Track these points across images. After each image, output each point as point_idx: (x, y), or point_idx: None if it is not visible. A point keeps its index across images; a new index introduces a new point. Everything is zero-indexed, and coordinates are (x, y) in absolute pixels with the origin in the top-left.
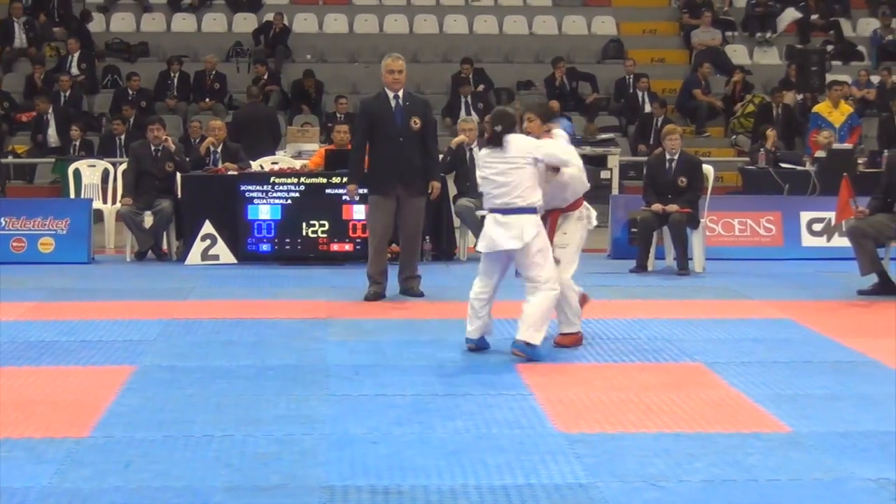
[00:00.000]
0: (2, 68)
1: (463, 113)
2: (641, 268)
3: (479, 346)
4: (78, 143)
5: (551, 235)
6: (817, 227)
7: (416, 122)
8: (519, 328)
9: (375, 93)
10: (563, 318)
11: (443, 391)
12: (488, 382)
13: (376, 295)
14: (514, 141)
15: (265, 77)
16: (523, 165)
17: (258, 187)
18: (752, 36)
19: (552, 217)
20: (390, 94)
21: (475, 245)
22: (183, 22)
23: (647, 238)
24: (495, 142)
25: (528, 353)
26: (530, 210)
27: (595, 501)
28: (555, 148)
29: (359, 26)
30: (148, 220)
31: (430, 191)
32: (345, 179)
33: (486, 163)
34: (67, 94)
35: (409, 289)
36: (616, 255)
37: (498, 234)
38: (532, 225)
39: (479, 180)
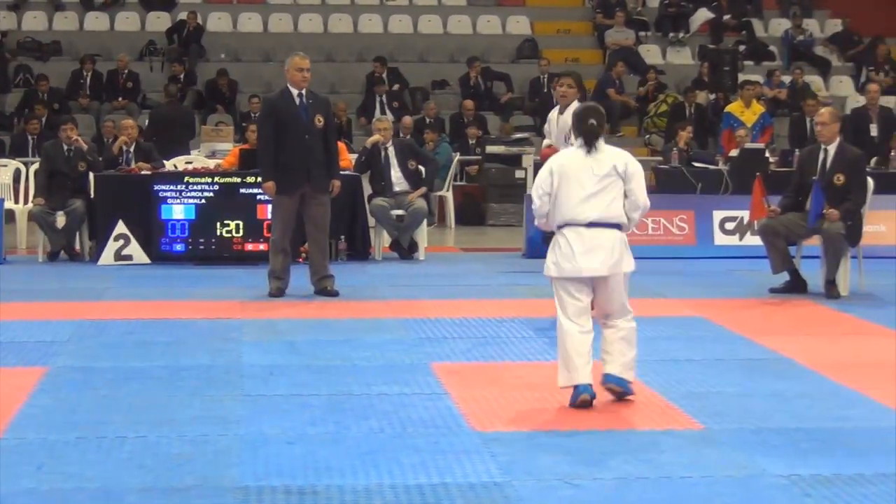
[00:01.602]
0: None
1: (378, 112)
2: None
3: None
4: None
5: None
6: (730, 225)
7: (319, 120)
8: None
9: (277, 91)
10: None
11: (358, 391)
12: (403, 382)
13: (279, 291)
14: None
15: (182, 76)
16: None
17: (172, 187)
18: (666, 36)
19: None
20: (294, 92)
21: (390, 245)
22: (96, 21)
23: None
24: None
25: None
26: None
27: (510, 500)
28: None
29: (273, 25)
30: (60, 220)
31: (331, 189)
32: (259, 179)
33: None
34: None
35: (324, 288)
36: (531, 255)
37: None
38: None
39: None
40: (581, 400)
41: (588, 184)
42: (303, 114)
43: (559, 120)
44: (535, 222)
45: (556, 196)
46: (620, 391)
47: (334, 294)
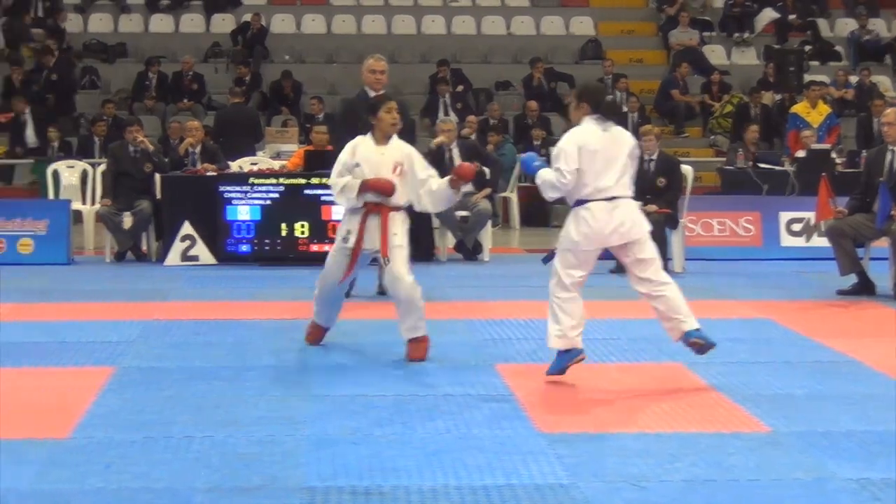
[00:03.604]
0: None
1: (441, 113)
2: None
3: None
4: (56, 145)
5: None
6: (796, 227)
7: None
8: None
9: (355, 93)
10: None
11: (423, 392)
12: (468, 383)
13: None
14: None
15: (247, 78)
16: None
17: (237, 188)
18: (730, 36)
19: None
20: (371, 94)
21: (454, 246)
22: (160, 22)
23: None
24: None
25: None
26: None
27: (576, 502)
28: None
29: (337, 27)
30: (127, 220)
31: None
32: (324, 180)
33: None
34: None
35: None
36: None
37: None
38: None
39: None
40: (577, 359)
41: (609, 159)
42: None
43: (381, 151)
44: (549, 194)
45: (580, 171)
46: (704, 343)
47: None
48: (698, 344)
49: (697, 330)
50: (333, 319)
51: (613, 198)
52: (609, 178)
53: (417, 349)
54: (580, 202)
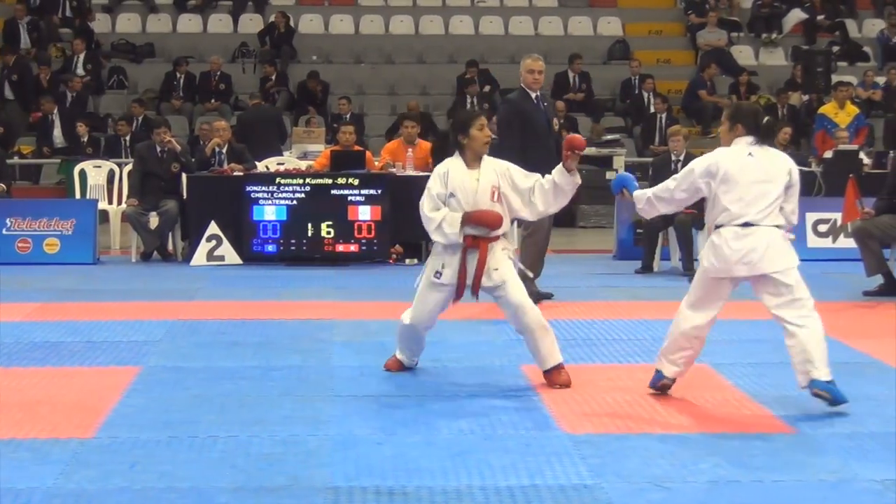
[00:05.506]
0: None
1: None
2: (647, 269)
3: None
4: (86, 140)
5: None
6: (823, 227)
7: (556, 124)
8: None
9: (516, 92)
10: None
11: (448, 392)
12: (494, 383)
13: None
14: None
15: (273, 78)
16: None
17: (264, 188)
18: (759, 37)
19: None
20: (532, 95)
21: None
22: (189, 23)
23: (652, 239)
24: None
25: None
26: None
27: (600, 502)
28: None
29: (364, 27)
30: (153, 220)
31: None
32: (351, 180)
33: None
34: (74, 94)
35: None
36: (621, 256)
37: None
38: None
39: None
40: (660, 384)
41: (751, 183)
42: (543, 117)
43: (475, 177)
44: (661, 208)
45: (714, 196)
46: (831, 399)
47: (546, 297)
48: (824, 397)
49: (828, 382)
50: (417, 357)
51: (748, 224)
52: (747, 204)
53: (560, 376)
54: (716, 227)
